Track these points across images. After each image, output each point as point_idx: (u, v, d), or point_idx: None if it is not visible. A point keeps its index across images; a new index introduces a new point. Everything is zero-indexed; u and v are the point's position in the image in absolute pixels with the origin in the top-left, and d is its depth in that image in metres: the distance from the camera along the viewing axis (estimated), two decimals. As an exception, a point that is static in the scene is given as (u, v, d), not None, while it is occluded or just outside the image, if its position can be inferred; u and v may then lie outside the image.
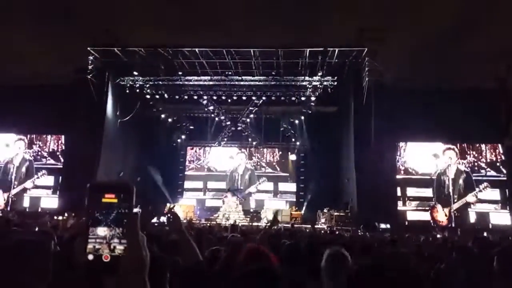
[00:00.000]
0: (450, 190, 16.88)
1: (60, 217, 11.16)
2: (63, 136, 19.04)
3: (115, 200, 0.85)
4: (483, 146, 17.78)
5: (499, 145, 17.63)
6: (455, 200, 16.79)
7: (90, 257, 0.83)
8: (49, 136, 19.31)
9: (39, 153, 19.16)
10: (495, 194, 16.89)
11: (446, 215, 16.60)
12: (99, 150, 16.69)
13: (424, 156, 17.97)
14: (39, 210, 17.58)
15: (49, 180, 18.68)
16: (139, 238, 0.86)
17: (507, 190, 17.02)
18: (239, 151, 21.68)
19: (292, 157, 21.06)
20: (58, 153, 19.01)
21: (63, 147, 18.94)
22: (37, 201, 18.41)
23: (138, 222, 0.87)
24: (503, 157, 17.44)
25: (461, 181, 17.01)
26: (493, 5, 13.36)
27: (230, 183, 20.91)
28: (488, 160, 17.61)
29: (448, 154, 17.53)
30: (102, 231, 0.84)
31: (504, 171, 17.30)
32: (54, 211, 15.32)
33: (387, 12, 13.66)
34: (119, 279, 0.83)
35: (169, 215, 2.59)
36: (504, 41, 14.54)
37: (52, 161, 18.98)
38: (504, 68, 16.47)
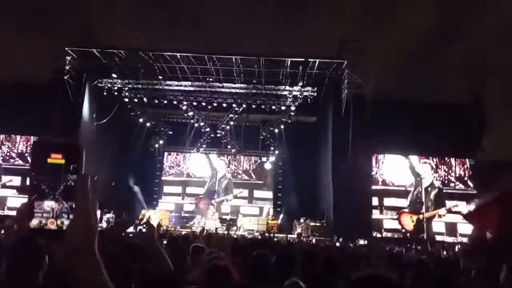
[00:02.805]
0: (423, 199, 17.49)
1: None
2: (31, 137, 18.47)
3: (62, 161, 0.77)
4: (452, 161, 18.52)
5: (467, 160, 18.34)
6: (427, 210, 17.42)
7: (35, 222, 0.75)
8: (18, 137, 18.70)
9: (8, 153, 18.54)
10: (462, 206, 17.69)
11: (413, 222, 17.24)
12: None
13: (401, 169, 18.44)
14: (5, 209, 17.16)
15: (16, 181, 18.12)
16: (88, 203, 0.77)
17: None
18: (219, 157, 21.57)
19: (267, 165, 21.06)
20: (26, 154, 18.46)
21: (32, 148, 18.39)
22: (4, 200, 17.84)
23: (88, 184, 0.79)
24: (470, 172, 18.21)
25: (432, 194, 17.67)
26: (468, 19, 13.84)
27: (208, 188, 20.76)
28: (457, 175, 18.43)
29: (423, 168, 18.05)
30: (48, 205, 0.76)
31: (471, 185, 18.03)
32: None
33: (366, 25, 13.96)
34: (66, 245, 0.75)
35: (144, 225, 2.59)
36: (477, 55, 15.04)
37: (20, 162, 18.42)
38: (478, 82, 17.01)
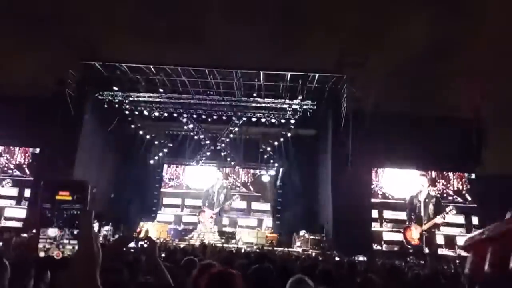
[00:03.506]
0: (422, 212, 17.48)
1: (25, 234, 10.73)
2: (30, 149, 18.49)
3: (69, 198, 0.84)
4: (451, 175, 18.65)
5: (465, 175, 18.46)
6: (425, 222, 17.40)
7: (41, 254, 0.82)
8: (16, 149, 18.73)
9: (6, 165, 18.57)
10: (460, 219, 17.96)
11: (418, 235, 17.20)
12: (72, 165, 16.27)
13: (400, 182, 18.52)
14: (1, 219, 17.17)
15: (13, 191, 18.10)
16: (91, 235, 0.85)
17: (472, 216, 17.80)
18: (216, 169, 21.55)
19: (266, 178, 21.07)
20: (24, 166, 18.48)
21: (30, 160, 18.43)
22: (1, 210, 17.81)
23: (92, 219, 0.86)
24: (468, 186, 18.35)
25: (431, 205, 17.69)
26: (467, 33, 14.02)
27: (206, 199, 20.70)
28: (455, 188, 18.58)
29: (421, 181, 18.13)
30: (52, 232, 0.83)
31: (469, 199, 18.16)
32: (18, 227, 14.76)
33: (366, 39, 14.15)
34: (69, 274, 0.83)
35: (145, 241, 2.62)
36: (477, 69, 15.17)
37: (18, 173, 18.44)
38: (477, 96, 17.14)
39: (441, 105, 16.76)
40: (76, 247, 0.84)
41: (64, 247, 0.83)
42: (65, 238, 0.84)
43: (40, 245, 0.83)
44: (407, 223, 17.60)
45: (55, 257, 0.82)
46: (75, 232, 0.84)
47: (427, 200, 17.74)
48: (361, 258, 11.69)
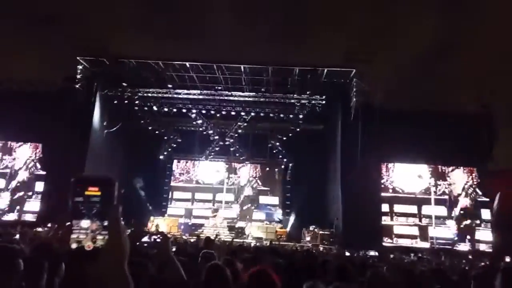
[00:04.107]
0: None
1: (40, 229, 10.89)
2: (40, 145, 18.71)
3: (98, 193, 0.90)
4: (461, 169, 18.52)
5: (475, 169, 18.31)
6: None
7: (74, 245, 0.86)
8: (27, 144, 18.97)
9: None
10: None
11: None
12: (83, 160, 16.43)
13: (410, 176, 18.44)
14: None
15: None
16: (120, 229, 0.89)
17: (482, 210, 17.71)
18: (242, 165, 21.58)
19: (275, 173, 21.31)
20: (34, 161, 18.75)
21: (41, 155, 18.68)
22: (20, 203, 18.09)
23: (120, 213, 0.91)
24: (478, 180, 18.18)
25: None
26: (476, 29, 13.81)
27: (235, 195, 20.96)
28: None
29: (429, 175, 18.18)
30: (85, 223, 0.88)
31: (480, 193, 18.02)
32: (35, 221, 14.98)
33: (376, 34, 14.00)
34: (100, 266, 0.86)
35: (158, 235, 2.66)
36: (488, 65, 14.95)
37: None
38: (487, 92, 16.92)
39: (451, 100, 16.56)
40: (107, 239, 0.87)
41: (96, 238, 0.86)
42: (97, 230, 0.87)
43: (74, 236, 0.87)
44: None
45: (86, 248, 0.85)
46: (105, 224, 0.89)
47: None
48: (372, 253, 11.65)
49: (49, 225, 11.01)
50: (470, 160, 18.08)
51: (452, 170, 18.54)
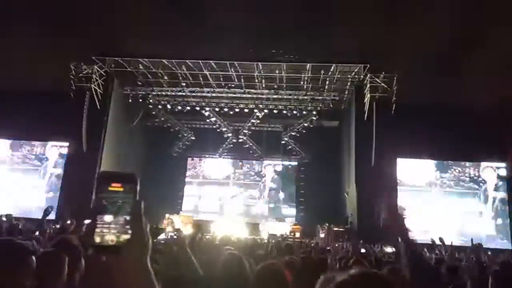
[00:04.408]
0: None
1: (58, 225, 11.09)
2: (63, 144, 19.03)
3: (121, 189, 0.92)
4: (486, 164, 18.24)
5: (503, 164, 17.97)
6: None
7: (98, 239, 0.88)
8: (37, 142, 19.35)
9: (27, 156, 19.33)
10: None
11: None
12: (99, 158, 16.71)
13: (425, 172, 18.30)
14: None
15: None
16: (142, 224, 0.91)
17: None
18: (267, 163, 21.68)
19: (290, 170, 21.30)
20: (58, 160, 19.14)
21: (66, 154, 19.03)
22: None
23: (142, 208, 0.93)
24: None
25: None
26: (495, 22, 13.46)
27: (260, 192, 21.04)
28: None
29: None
30: (108, 218, 0.90)
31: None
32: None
33: (390, 27, 13.78)
34: (123, 261, 0.88)
35: (175, 232, 2.69)
36: (504, 58, 14.56)
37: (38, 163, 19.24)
38: (504, 85, 16.49)
39: (467, 94, 16.18)
40: (129, 234, 0.90)
41: (119, 234, 0.88)
42: (120, 224, 0.88)
43: (98, 230, 0.89)
44: None
45: (109, 243, 0.87)
46: (128, 219, 0.90)
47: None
48: (388, 249, 11.52)
49: (68, 221, 11.22)
50: (489, 155, 17.71)
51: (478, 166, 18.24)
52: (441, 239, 6.18)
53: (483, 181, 18.09)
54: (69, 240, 3.11)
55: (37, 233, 5.50)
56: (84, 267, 2.92)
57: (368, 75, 16.08)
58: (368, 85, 16.07)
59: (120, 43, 16.61)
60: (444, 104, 16.76)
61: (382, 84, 15.83)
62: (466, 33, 13.59)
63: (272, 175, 21.71)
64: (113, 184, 0.91)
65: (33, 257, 2.03)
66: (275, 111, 19.40)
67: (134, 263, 0.89)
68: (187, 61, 16.64)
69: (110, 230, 0.88)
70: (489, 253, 7.59)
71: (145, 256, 0.90)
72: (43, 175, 18.99)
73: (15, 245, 2.06)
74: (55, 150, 19.24)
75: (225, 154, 21.64)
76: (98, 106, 17.00)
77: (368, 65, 15.95)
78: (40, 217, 5.41)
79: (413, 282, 1.80)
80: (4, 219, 8.23)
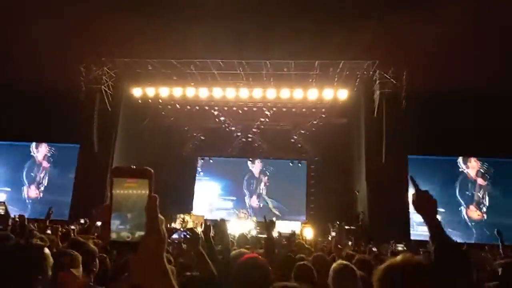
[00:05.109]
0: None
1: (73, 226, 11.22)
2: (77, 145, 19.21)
3: (135, 185, 0.89)
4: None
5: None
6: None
7: (114, 236, 0.87)
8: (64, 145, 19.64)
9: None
10: None
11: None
12: (111, 160, 16.87)
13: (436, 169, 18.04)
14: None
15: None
16: (158, 219, 0.89)
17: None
18: (276, 161, 21.70)
19: (299, 168, 21.28)
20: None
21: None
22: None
23: (157, 204, 0.90)
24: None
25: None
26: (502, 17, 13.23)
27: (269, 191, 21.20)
28: None
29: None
30: (123, 214, 0.88)
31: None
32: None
33: (398, 23, 13.61)
34: (139, 257, 0.87)
35: (188, 232, 2.69)
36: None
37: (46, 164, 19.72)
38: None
39: (476, 89, 15.84)
40: (145, 229, 0.89)
41: (134, 230, 0.88)
42: (135, 221, 0.88)
43: (113, 227, 0.88)
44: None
45: (125, 239, 0.87)
46: (143, 214, 0.88)
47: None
48: (400, 247, 11.44)
49: (81, 221, 11.35)
50: (502, 150, 17.42)
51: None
52: (498, 232, 5.85)
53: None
54: (83, 240, 3.15)
55: (49, 231, 5.58)
56: (98, 266, 2.96)
57: (377, 71, 15.96)
58: (377, 81, 15.95)
59: (129, 45, 16.69)
60: (457, 99, 16.42)
61: (392, 80, 15.69)
62: (477, 27, 13.38)
63: (281, 174, 21.64)
64: (128, 180, 0.89)
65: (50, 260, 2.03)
66: (284, 109, 19.34)
67: (151, 259, 0.88)
68: (195, 60, 16.68)
69: (125, 226, 0.87)
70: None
71: (161, 252, 0.90)
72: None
73: (33, 249, 2.04)
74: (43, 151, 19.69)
75: (234, 153, 21.65)
76: (109, 107, 17.16)
77: (377, 61, 15.82)
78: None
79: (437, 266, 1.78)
80: (17, 219, 8.33)
